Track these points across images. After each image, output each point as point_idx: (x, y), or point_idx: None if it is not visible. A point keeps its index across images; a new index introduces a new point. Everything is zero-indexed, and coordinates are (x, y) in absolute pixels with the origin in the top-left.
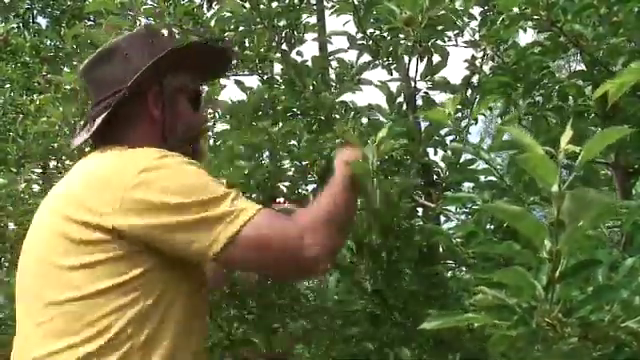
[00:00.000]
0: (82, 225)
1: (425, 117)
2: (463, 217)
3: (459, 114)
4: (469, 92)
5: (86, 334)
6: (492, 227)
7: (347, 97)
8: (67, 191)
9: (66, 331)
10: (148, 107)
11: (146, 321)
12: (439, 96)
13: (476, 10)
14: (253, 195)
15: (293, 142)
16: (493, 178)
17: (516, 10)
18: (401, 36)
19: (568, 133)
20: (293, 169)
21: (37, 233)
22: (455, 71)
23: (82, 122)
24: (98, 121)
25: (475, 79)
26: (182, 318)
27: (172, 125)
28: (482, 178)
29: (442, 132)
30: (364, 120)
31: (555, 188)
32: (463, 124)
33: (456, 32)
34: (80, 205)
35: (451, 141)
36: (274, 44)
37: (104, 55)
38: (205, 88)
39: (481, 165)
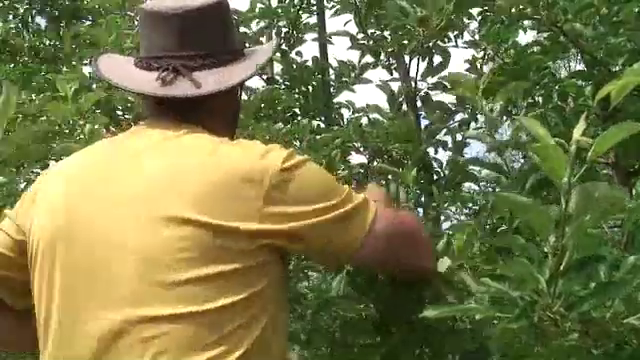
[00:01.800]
0: (213, 229)
1: (450, 81)
2: (464, 218)
3: (460, 115)
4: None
5: (214, 351)
6: (491, 228)
7: (347, 97)
8: (169, 185)
9: (187, 349)
10: (236, 94)
11: (266, 338)
12: (439, 96)
13: (475, 11)
14: None
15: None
16: (499, 174)
17: (514, 10)
18: (405, 36)
19: (581, 125)
20: None
21: (119, 238)
22: (455, 71)
23: (163, 70)
24: (234, 80)
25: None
26: (282, 335)
27: (238, 116)
28: (485, 173)
29: (442, 132)
30: (364, 120)
31: (565, 180)
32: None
33: (456, 33)
34: (206, 204)
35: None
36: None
37: (212, 6)
38: None
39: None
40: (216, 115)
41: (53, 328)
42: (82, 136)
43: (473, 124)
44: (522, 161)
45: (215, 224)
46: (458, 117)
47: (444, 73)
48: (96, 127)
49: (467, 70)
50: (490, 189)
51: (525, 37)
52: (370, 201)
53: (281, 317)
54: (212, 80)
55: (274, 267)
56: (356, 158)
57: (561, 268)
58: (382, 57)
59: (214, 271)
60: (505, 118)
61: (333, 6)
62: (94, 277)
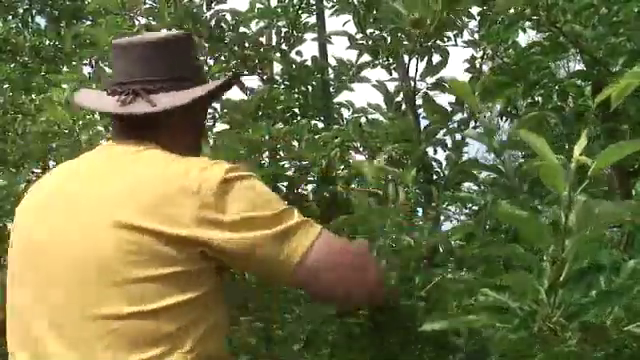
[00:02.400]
0: (156, 235)
1: (448, 88)
2: (463, 218)
3: (461, 114)
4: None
5: (154, 351)
6: (491, 227)
7: (347, 97)
8: (123, 195)
9: (132, 346)
10: (201, 115)
11: (209, 339)
12: (439, 96)
13: (475, 10)
14: None
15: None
16: (497, 175)
17: (515, 10)
18: (402, 36)
19: (582, 142)
20: (293, 169)
21: (69, 239)
22: (455, 71)
23: (132, 88)
24: (177, 100)
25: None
26: (220, 341)
27: (204, 135)
28: (483, 175)
29: (442, 132)
30: (363, 120)
31: (565, 195)
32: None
33: (455, 32)
34: (153, 213)
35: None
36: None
37: (174, 38)
38: None
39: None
40: (174, 134)
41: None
42: (83, 137)
43: (472, 123)
44: (522, 160)
45: (157, 230)
46: (457, 117)
47: (443, 73)
48: (92, 133)
49: (466, 70)
50: (489, 189)
51: (525, 37)
52: (312, 224)
53: (220, 324)
54: (165, 100)
55: (212, 276)
56: (356, 158)
57: (561, 279)
58: (381, 57)
59: (154, 274)
60: (505, 118)
61: (332, 6)
62: (52, 280)
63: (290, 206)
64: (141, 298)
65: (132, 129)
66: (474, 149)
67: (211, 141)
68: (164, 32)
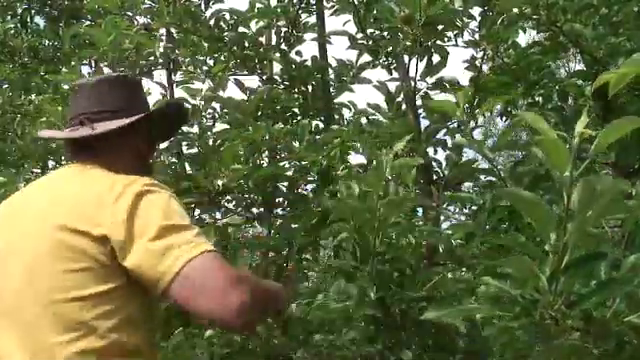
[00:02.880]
0: (80, 234)
1: (432, 108)
2: (463, 218)
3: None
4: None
5: (71, 335)
6: (491, 227)
7: (347, 97)
8: (62, 202)
9: (56, 328)
10: (138, 140)
11: (124, 330)
12: (439, 96)
13: (476, 10)
14: (252, 196)
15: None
16: (493, 178)
17: (515, 10)
18: (400, 35)
19: (584, 119)
20: (293, 169)
21: (25, 239)
22: (455, 71)
23: (79, 119)
24: (108, 126)
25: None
26: (148, 331)
27: (150, 161)
28: (482, 178)
29: (442, 132)
30: (363, 120)
31: (567, 174)
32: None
33: (456, 32)
34: (79, 216)
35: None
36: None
37: (116, 79)
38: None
39: (482, 165)
40: (112, 156)
41: None
42: None
43: (472, 123)
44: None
45: (81, 230)
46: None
47: (444, 73)
48: None
49: (466, 69)
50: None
51: (525, 37)
52: (203, 242)
53: (135, 318)
54: (102, 126)
55: (125, 273)
56: (356, 158)
57: (562, 266)
58: (381, 57)
59: (76, 267)
60: (505, 118)
61: (332, 6)
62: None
63: (193, 224)
64: (67, 287)
65: (79, 152)
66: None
67: (210, 141)
68: (108, 74)
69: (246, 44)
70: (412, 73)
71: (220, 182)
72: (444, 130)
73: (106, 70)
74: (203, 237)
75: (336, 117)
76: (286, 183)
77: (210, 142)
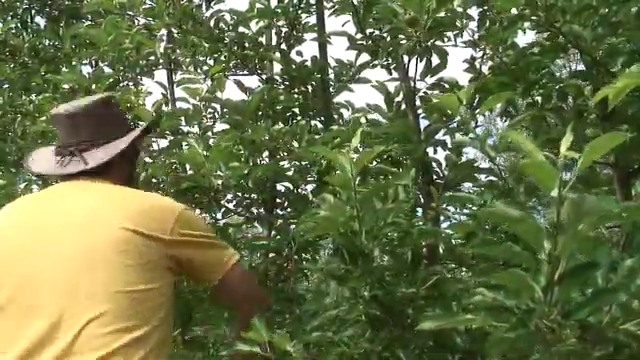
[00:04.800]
0: (144, 236)
1: (434, 105)
2: (463, 218)
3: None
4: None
5: (127, 323)
6: (491, 227)
7: (346, 96)
8: (122, 206)
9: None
10: (129, 152)
11: (166, 325)
12: (439, 96)
13: (475, 11)
14: (252, 196)
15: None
16: (494, 178)
17: (515, 11)
18: (401, 36)
19: (568, 138)
20: (293, 169)
21: (73, 232)
22: (454, 71)
23: (69, 150)
24: (104, 158)
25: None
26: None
27: (135, 171)
28: (483, 177)
29: (442, 132)
30: (363, 120)
31: (555, 193)
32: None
33: (455, 32)
34: (144, 221)
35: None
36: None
37: (104, 102)
38: (206, 87)
39: (482, 165)
40: (112, 177)
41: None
42: None
43: (472, 123)
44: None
45: (146, 233)
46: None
47: (443, 73)
48: None
49: (466, 70)
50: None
51: (524, 37)
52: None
53: (172, 314)
54: (97, 155)
55: (172, 274)
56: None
57: (556, 277)
58: (380, 57)
59: (134, 262)
60: (505, 118)
61: (332, 6)
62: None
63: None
64: (126, 281)
65: (79, 174)
66: (474, 149)
67: (210, 141)
68: (90, 99)
69: (246, 44)
70: (412, 73)
71: (219, 181)
72: (444, 130)
73: (106, 69)
74: None
75: (335, 117)
76: (286, 183)
77: (210, 142)
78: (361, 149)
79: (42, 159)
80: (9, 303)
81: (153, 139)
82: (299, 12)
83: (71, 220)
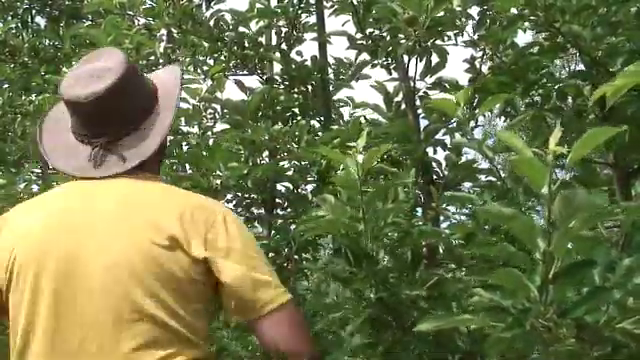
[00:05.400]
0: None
1: (432, 107)
2: (463, 218)
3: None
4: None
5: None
6: (491, 228)
7: (345, 94)
8: (166, 216)
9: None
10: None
11: (204, 340)
12: (439, 96)
13: (474, 10)
14: (252, 196)
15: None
16: (493, 178)
17: (514, 11)
18: (401, 36)
19: (556, 134)
20: (293, 169)
21: (121, 248)
22: (454, 71)
23: (94, 148)
24: (153, 146)
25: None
26: None
27: (164, 154)
28: (482, 178)
29: (442, 131)
30: (363, 120)
31: (545, 190)
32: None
33: (455, 32)
34: (187, 233)
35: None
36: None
37: (120, 85)
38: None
39: (482, 165)
40: (149, 165)
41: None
42: None
43: (472, 123)
44: None
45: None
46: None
47: (443, 73)
48: None
49: (466, 70)
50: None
51: (524, 37)
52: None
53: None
54: (134, 153)
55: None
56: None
57: (551, 275)
58: (380, 57)
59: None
60: (504, 118)
61: (332, 6)
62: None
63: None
64: (166, 303)
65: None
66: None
67: (210, 141)
68: (108, 70)
69: (246, 44)
70: (411, 73)
71: (218, 181)
72: (444, 130)
73: None
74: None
75: (335, 117)
76: (286, 183)
77: (210, 142)
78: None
79: (66, 152)
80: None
81: None
82: (299, 12)
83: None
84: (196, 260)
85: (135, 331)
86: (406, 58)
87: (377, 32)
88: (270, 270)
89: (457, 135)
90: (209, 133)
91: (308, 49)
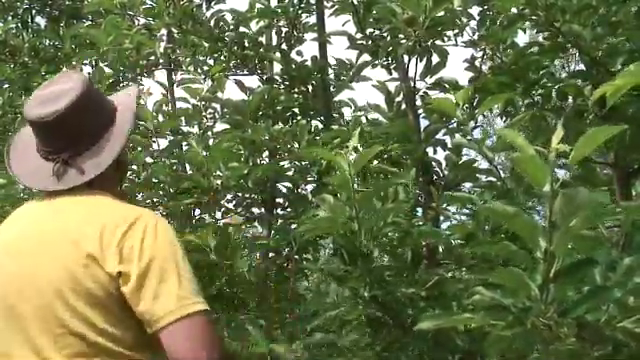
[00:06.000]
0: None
1: (431, 107)
2: (463, 218)
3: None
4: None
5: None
6: (491, 228)
7: (347, 95)
8: (93, 231)
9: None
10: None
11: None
12: (439, 96)
13: (475, 10)
14: (252, 196)
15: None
16: (493, 178)
17: (515, 10)
18: (401, 36)
19: (559, 133)
20: (293, 169)
21: (49, 264)
22: (454, 71)
23: (55, 163)
24: (109, 160)
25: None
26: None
27: (125, 170)
28: (483, 178)
29: (442, 131)
30: (363, 120)
31: (547, 188)
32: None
33: (456, 32)
34: (104, 249)
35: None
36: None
37: (79, 103)
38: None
39: (482, 165)
40: (105, 179)
41: None
42: None
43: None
44: None
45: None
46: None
47: (443, 73)
48: None
49: (466, 69)
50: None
51: (524, 37)
52: (203, 304)
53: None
54: (90, 167)
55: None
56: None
57: (552, 274)
58: (380, 57)
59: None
60: (505, 118)
61: (332, 6)
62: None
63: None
64: (87, 318)
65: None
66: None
67: (210, 141)
68: (66, 91)
69: (246, 44)
70: (412, 73)
71: (219, 181)
72: (444, 130)
73: (106, 69)
74: (199, 287)
75: (336, 116)
76: (286, 183)
77: (210, 142)
78: (361, 149)
79: (33, 170)
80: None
81: (153, 139)
82: (299, 12)
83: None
84: (111, 275)
85: (63, 344)
86: (406, 58)
87: (377, 32)
88: (183, 281)
89: (457, 135)
90: (209, 133)
91: (308, 49)
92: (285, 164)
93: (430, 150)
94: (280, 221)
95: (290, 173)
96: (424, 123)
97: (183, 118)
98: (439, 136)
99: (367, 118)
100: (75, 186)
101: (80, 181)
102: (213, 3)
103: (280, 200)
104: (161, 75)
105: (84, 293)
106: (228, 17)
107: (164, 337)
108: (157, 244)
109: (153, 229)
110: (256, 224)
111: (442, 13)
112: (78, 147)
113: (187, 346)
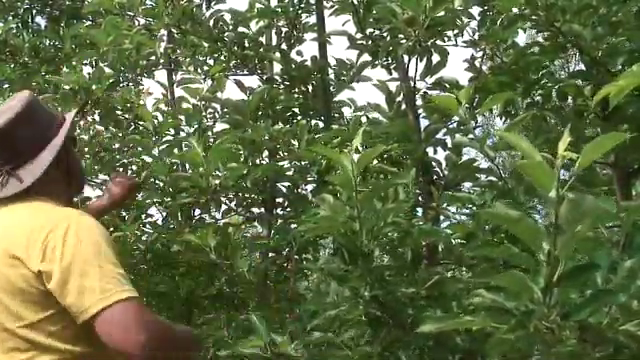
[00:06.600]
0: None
1: (433, 105)
2: (463, 218)
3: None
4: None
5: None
6: (491, 227)
7: (347, 95)
8: (21, 238)
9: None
10: (59, 158)
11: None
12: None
13: (475, 10)
14: (252, 196)
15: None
16: (494, 178)
17: (515, 10)
18: (401, 36)
19: (566, 139)
20: (293, 169)
21: None
22: (455, 71)
23: (1, 173)
24: (39, 172)
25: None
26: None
27: (74, 171)
28: (483, 177)
29: (442, 131)
30: (364, 119)
31: (553, 194)
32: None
33: (456, 32)
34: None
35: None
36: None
37: (19, 118)
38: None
39: (482, 164)
40: (49, 186)
41: None
42: (83, 136)
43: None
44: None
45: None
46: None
47: (443, 72)
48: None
49: (466, 69)
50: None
51: (524, 37)
52: (130, 292)
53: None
54: (29, 174)
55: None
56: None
57: (555, 278)
58: (381, 57)
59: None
60: (505, 118)
61: (332, 6)
62: None
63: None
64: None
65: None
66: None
67: (210, 141)
68: (8, 108)
69: (246, 44)
70: (412, 73)
71: (217, 181)
72: (444, 130)
73: (106, 70)
74: (126, 279)
75: (336, 116)
76: (286, 183)
77: (210, 142)
78: (361, 149)
79: None
80: None
81: (153, 138)
82: (299, 12)
83: None
84: (35, 273)
85: (1, 340)
86: (406, 58)
87: (377, 32)
88: (106, 273)
89: (458, 134)
90: (209, 133)
91: (308, 49)
92: (285, 164)
93: (430, 150)
94: (280, 221)
95: (290, 173)
96: (424, 123)
97: (183, 118)
98: (439, 136)
99: (368, 117)
100: (16, 194)
101: (19, 189)
102: (213, 3)
103: (280, 200)
104: (161, 75)
105: (17, 292)
106: (228, 17)
107: (96, 327)
108: (79, 243)
109: (75, 228)
110: (256, 224)
111: (442, 13)
112: (19, 160)
113: (116, 332)
